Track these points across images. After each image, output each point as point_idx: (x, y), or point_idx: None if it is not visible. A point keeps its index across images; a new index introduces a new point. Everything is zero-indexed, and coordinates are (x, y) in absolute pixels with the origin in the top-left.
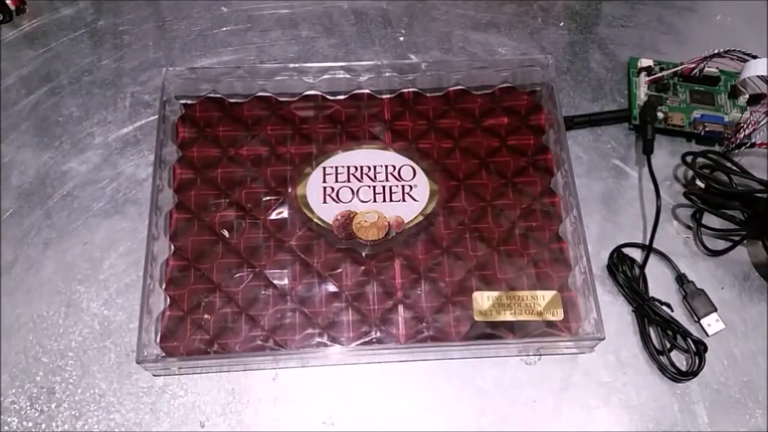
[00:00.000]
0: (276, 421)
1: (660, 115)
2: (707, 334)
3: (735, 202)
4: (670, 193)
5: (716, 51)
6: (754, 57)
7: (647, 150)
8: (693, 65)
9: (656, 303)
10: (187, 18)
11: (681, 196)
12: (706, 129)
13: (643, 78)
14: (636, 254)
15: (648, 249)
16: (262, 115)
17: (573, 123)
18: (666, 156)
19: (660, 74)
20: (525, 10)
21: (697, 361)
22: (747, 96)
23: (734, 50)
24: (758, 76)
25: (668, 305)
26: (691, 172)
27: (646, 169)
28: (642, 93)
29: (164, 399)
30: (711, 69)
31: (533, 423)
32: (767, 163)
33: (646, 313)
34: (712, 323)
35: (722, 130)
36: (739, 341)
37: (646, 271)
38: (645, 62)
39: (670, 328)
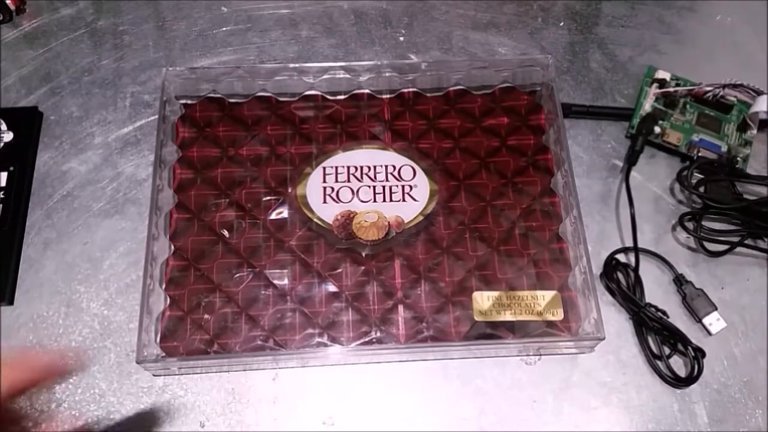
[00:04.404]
0: (276, 421)
1: (657, 129)
2: (710, 333)
3: (734, 213)
4: (669, 193)
5: (735, 81)
6: None
7: (631, 161)
8: (709, 89)
9: (652, 309)
10: (187, 18)
11: (681, 195)
12: (699, 155)
13: (654, 89)
14: (634, 256)
15: (636, 253)
16: (262, 115)
17: (570, 111)
18: (667, 156)
19: (671, 89)
20: (525, 10)
21: (696, 367)
22: (755, 131)
23: (749, 86)
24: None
25: (664, 312)
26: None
27: (645, 169)
28: (648, 104)
29: (164, 399)
30: (730, 97)
31: (533, 423)
32: (767, 163)
33: (643, 320)
34: (713, 322)
35: (715, 158)
36: (739, 341)
37: (646, 275)
38: (662, 74)
39: (668, 335)
